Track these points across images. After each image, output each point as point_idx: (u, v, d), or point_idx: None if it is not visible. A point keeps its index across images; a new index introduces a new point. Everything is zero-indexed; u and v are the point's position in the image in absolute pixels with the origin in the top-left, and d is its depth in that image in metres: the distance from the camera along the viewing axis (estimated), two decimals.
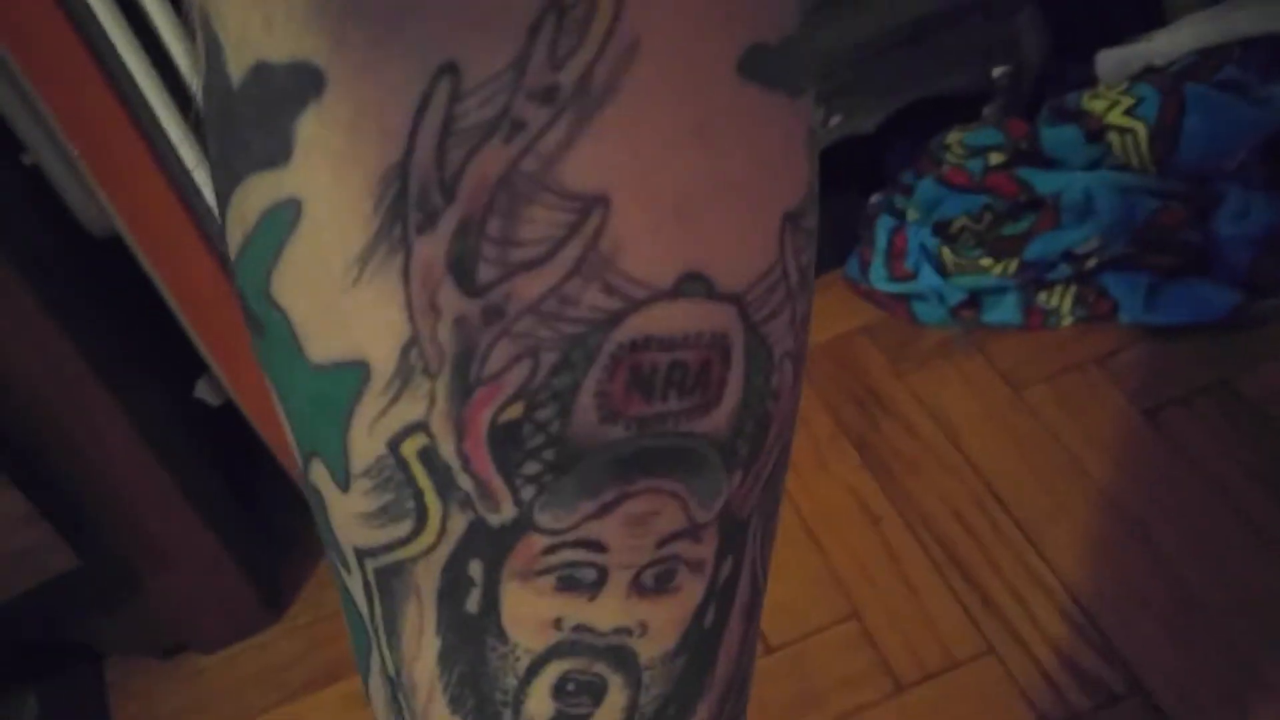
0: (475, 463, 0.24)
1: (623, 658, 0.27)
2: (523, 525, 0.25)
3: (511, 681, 0.27)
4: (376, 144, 0.22)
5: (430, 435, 0.24)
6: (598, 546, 0.25)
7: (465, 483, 0.24)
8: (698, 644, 0.28)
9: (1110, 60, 0.95)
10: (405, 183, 0.22)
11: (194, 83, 0.67)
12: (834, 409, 0.96)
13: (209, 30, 0.23)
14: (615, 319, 0.23)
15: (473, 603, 0.26)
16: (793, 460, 0.95)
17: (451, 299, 0.23)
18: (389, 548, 0.26)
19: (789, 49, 0.25)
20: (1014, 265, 0.90)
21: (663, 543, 0.26)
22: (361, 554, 0.27)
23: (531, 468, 0.24)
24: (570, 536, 0.25)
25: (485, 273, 0.23)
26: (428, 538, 0.25)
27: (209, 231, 0.78)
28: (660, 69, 0.22)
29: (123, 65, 0.71)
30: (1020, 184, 0.91)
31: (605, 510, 0.25)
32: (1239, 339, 0.91)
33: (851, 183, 1.02)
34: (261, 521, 1.01)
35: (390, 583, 0.27)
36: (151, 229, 0.78)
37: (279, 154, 0.23)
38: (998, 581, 0.83)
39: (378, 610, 0.27)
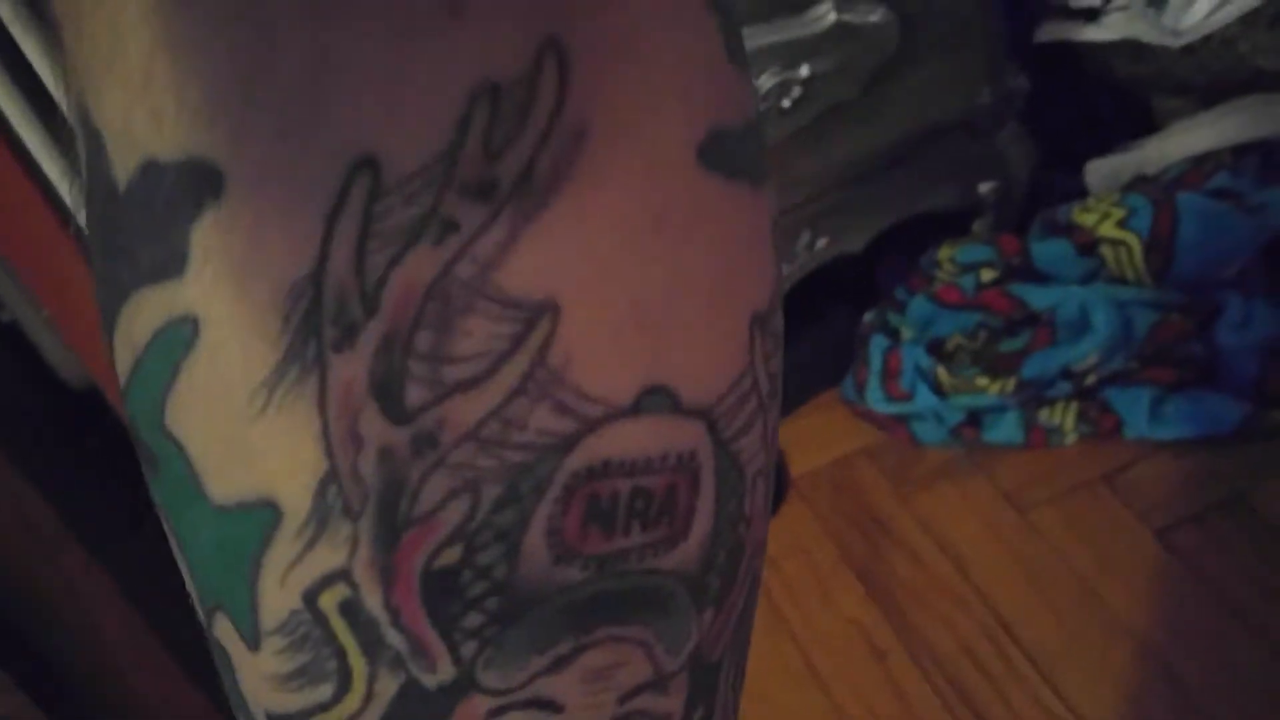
0: (406, 616, 0.21)
1: None
2: (463, 687, 0.21)
3: None
4: (284, 251, 0.19)
5: (353, 585, 0.20)
6: (551, 707, 0.22)
7: (395, 639, 0.21)
8: None
9: (1100, 170, 0.93)
10: (319, 295, 0.19)
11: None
12: (836, 536, 0.93)
13: (88, 124, 0.20)
14: (568, 443, 0.20)
15: None
16: (794, 592, 0.92)
17: (375, 427, 0.20)
18: (307, 713, 0.22)
19: (750, 134, 0.22)
20: (1011, 384, 0.87)
21: (625, 698, 0.22)
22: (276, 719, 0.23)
23: (473, 620, 0.21)
24: (519, 696, 0.21)
25: (414, 395, 0.19)
26: (352, 703, 0.21)
27: None
28: (612, 156, 0.20)
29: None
30: (1014, 300, 0.89)
31: (560, 665, 0.21)
32: (1250, 451, 0.88)
33: (843, 299, 1.00)
34: None
35: None
36: None
37: (171, 265, 0.20)
38: (1011, 719, 0.79)
39: None
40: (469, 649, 0.21)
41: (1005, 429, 0.90)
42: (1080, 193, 0.95)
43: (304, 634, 0.21)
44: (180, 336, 0.20)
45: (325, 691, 0.22)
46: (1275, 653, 0.77)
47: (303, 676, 0.22)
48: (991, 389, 0.88)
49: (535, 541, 0.20)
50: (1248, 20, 0.89)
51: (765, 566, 0.24)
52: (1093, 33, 0.91)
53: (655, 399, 0.21)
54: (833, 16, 0.78)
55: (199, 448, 0.21)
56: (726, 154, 0.21)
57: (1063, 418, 0.89)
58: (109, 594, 0.83)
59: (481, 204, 0.19)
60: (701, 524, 0.22)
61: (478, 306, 0.19)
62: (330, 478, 0.20)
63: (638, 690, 0.23)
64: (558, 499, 0.20)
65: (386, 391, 0.19)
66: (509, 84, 0.19)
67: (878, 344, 0.93)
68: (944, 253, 0.93)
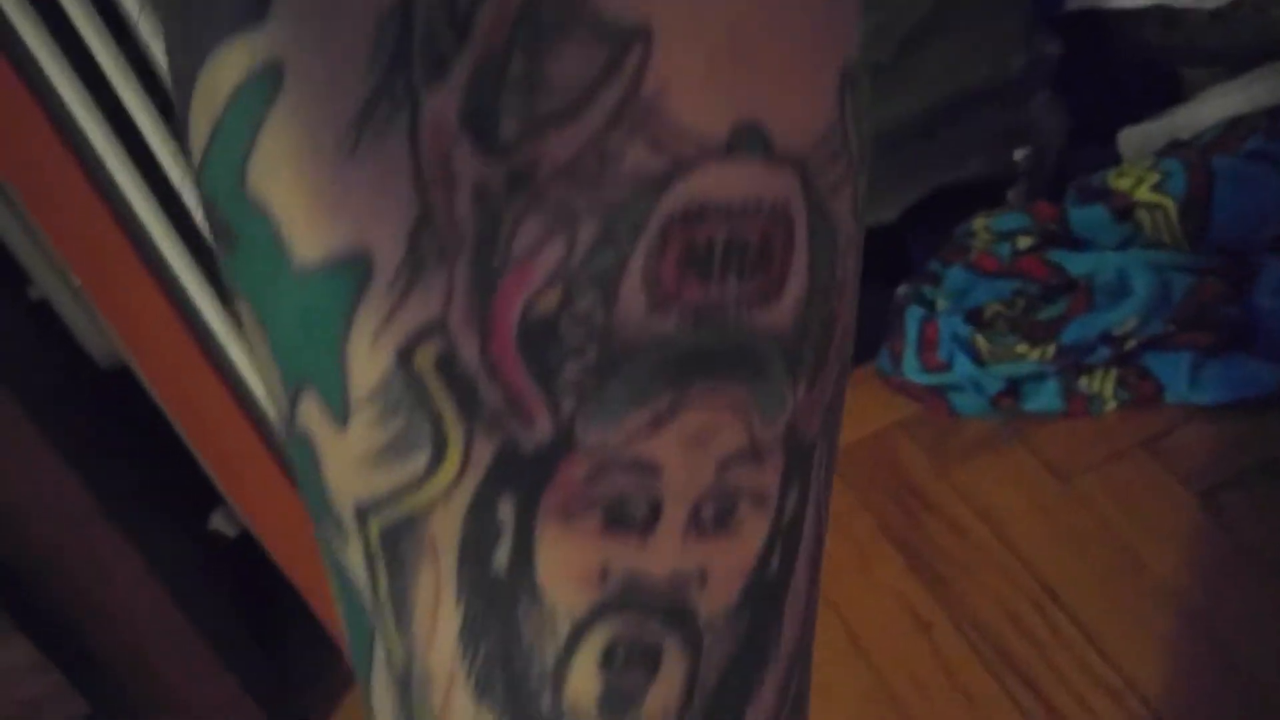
0: (504, 368, 0.20)
1: (680, 615, 0.22)
2: (563, 446, 0.20)
3: (550, 654, 0.22)
4: None
5: (448, 338, 0.20)
6: (651, 469, 0.21)
7: (492, 396, 0.20)
8: (761, 598, 0.23)
9: (1134, 137, 0.93)
10: (408, 23, 0.18)
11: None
12: (875, 510, 0.92)
13: None
14: (663, 181, 0.19)
15: (502, 555, 0.21)
16: (835, 566, 0.91)
17: (469, 163, 0.19)
18: (398, 494, 0.21)
19: None
20: (1051, 350, 0.87)
21: (723, 466, 0.21)
22: (364, 511, 0.21)
23: (572, 370, 0.20)
24: (619, 457, 0.21)
25: (508, 128, 0.19)
26: (448, 472, 0.20)
27: (218, 360, 0.76)
28: None
29: (124, 197, 0.69)
30: (1051, 267, 0.89)
31: (659, 423, 0.20)
32: None
33: (877, 273, 0.99)
34: (282, 660, 0.97)
35: (399, 545, 0.21)
36: (159, 359, 0.76)
37: (253, 10, 0.19)
38: (1060, 686, 0.78)
39: (383, 584, 0.22)
40: (568, 403, 0.20)
41: (1045, 397, 0.90)
42: (1113, 160, 0.95)
43: (397, 399, 0.20)
44: (263, 87, 0.19)
45: (419, 462, 0.21)
46: None
47: (395, 449, 0.21)
48: (1031, 355, 0.87)
49: (632, 285, 0.20)
50: None
51: None
52: (1123, 0, 0.91)
53: (749, 138, 0.20)
54: None
55: (284, 205, 0.20)
56: None
57: (1102, 384, 0.89)
58: (139, 573, 0.82)
59: None
60: (796, 282, 0.21)
61: (571, 31, 0.18)
62: (423, 221, 0.19)
63: (734, 459, 0.22)
64: (654, 241, 0.19)
65: (480, 124, 0.19)
66: None
67: (913, 315, 0.92)
68: (979, 222, 0.93)
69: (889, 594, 0.87)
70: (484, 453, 0.20)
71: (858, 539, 0.91)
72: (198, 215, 0.73)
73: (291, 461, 0.23)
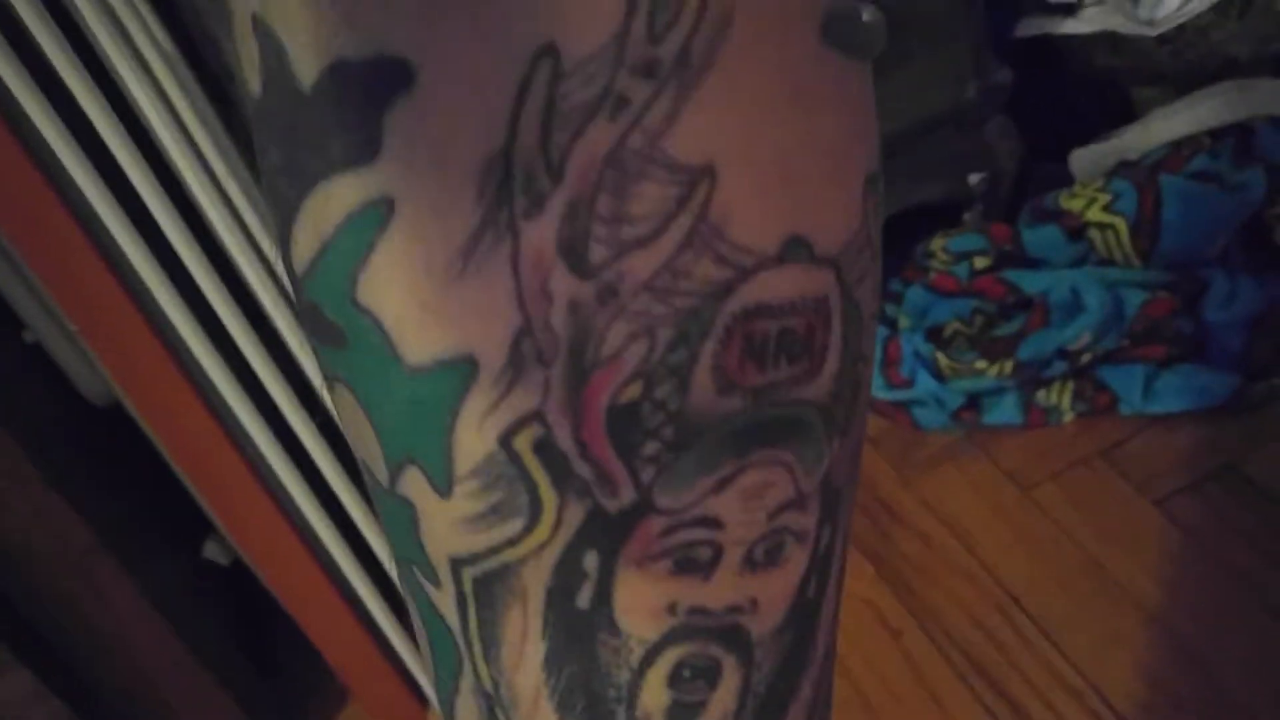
0: (594, 447, 0.23)
1: (735, 637, 0.26)
2: (642, 508, 0.24)
3: (625, 675, 0.26)
4: (476, 131, 0.21)
5: (545, 424, 0.23)
6: (715, 523, 0.25)
7: (583, 470, 0.24)
8: (802, 616, 0.28)
9: (1084, 158, 0.96)
10: (509, 168, 0.22)
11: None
12: None
13: (269, 36, 0.22)
14: (727, 289, 0.23)
15: (584, 598, 0.25)
16: None
17: (564, 283, 0.22)
18: (495, 550, 0.25)
19: (857, 14, 0.25)
20: (1009, 366, 0.90)
21: (774, 514, 0.26)
22: (459, 563, 0.25)
23: (651, 448, 0.24)
24: (688, 515, 0.24)
25: (597, 253, 0.22)
26: (541, 533, 0.24)
27: (209, 398, 0.79)
28: (753, 37, 0.22)
29: (115, 242, 0.72)
30: (1007, 285, 0.92)
31: (723, 485, 0.24)
32: (1241, 422, 0.91)
33: None
34: (277, 682, 1.00)
35: (491, 589, 0.25)
36: (152, 399, 0.79)
37: (365, 152, 0.22)
38: (1025, 688, 0.82)
39: (473, 621, 0.26)
40: (648, 474, 0.24)
41: (1004, 410, 0.93)
42: (1065, 181, 0.98)
43: (498, 473, 0.24)
44: (375, 215, 0.22)
45: (516, 526, 0.24)
46: (1275, 614, 0.80)
47: (495, 514, 0.24)
48: (990, 372, 0.91)
49: (703, 376, 0.23)
50: (1219, 10, 0.93)
51: None
52: (1072, 26, 0.94)
53: (795, 248, 0.24)
54: None
55: (395, 315, 0.23)
56: (841, 32, 0.24)
57: (1059, 397, 0.92)
58: (140, 606, 0.84)
59: (648, 81, 0.22)
60: (833, 360, 0.25)
61: (649, 172, 0.22)
62: (524, 330, 0.23)
63: (783, 508, 0.26)
64: (720, 338, 0.23)
65: (573, 251, 0.22)
66: None
67: (877, 333, 0.96)
68: (937, 243, 0.96)
69: (860, 603, 0.90)
70: (574, 516, 0.24)
71: None
72: (191, 261, 0.75)
73: (382, 515, 0.27)
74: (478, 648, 0.26)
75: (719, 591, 0.26)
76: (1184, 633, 0.81)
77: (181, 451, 0.83)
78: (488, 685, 0.27)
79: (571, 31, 0.21)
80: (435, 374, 0.23)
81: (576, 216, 0.22)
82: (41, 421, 0.85)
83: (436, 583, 0.26)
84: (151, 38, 0.76)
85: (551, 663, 0.26)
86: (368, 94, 0.22)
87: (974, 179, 0.94)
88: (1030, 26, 0.97)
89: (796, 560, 0.27)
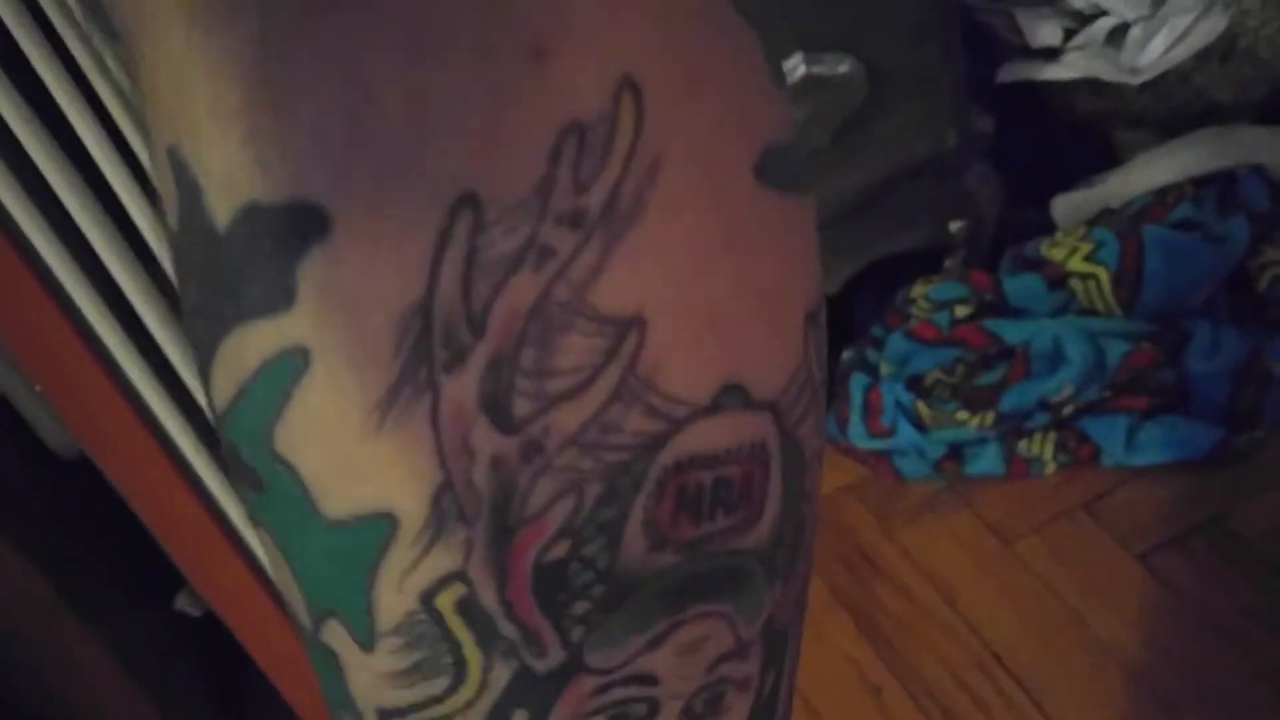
0: (520, 608, 0.22)
1: None
2: (571, 668, 0.23)
3: None
4: (394, 283, 0.20)
5: (469, 584, 0.22)
6: (649, 680, 0.24)
7: (509, 630, 0.23)
8: None
9: (1066, 205, 0.95)
10: (428, 321, 0.20)
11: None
12: (827, 574, 0.94)
13: (185, 174, 0.21)
14: (659, 441, 0.22)
15: None
16: None
17: (486, 438, 0.21)
18: (420, 706, 0.24)
19: (794, 148, 0.24)
20: (990, 417, 0.89)
21: (713, 666, 0.25)
22: (386, 715, 0.24)
23: (580, 607, 0.23)
24: (621, 674, 0.24)
25: (521, 408, 0.21)
26: (467, 692, 0.23)
27: (176, 457, 0.77)
28: (685, 181, 0.22)
29: (74, 302, 0.71)
30: (988, 335, 0.91)
31: (657, 642, 0.24)
32: (1226, 475, 0.90)
33: None
34: None
35: None
36: (119, 457, 0.78)
37: (279, 300, 0.21)
38: None
39: None
40: (577, 634, 0.23)
41: (986, 461, 0.92)
42: (1047, 228, 0.97)
43: (421, 633, 0.23)
44: (291, 365, 0.21)
45: (440, 684, 0.23)
46: (1259, 671, 0.79)
47: (418, 672, 0.23)
48: (971, 422, 0.90)
49: (634, 532, 0.22)
50: (1201, 56, 0.92)
51: None
52: (1053, 72, 0.93)
53: (730, 396, 0.23)
54: (802, 69, 0.80)
55: (312, 468, 0.22)
56: (778, 169, 0.23)
57: (1041, 448, 0.91)
58: (105, 662, 0.83)
59: (574, 231, 0.21)
60: (772, 505, 0.24)
61: (575, 324, 0.21)
62: (445, 487, 0.21)
63: (722, 659, 0.25)
64: (652, 492, 0.22)
65: (495, 406, 0.21)
66: (593, 120, 0.21)
67: (858, 381, 0.95)
68: (917, 290, 0.95)
69: (840, 658, 0.89)
70: (500, 676, 0.23)
71: (810, 604, 0.93)
72: (149, 317, 0.74)
73: (313, 663, 0.25)
74: None
75: None
76: (1167, 690, 0.80)
77: (149, 508, 0.82)
78: None
79: (493, 179, 0.20)
80: (354, 529, 0.22)
81: (499, 370, 0.21)
82: (5, 474, 0.83)
83: None
84: (114, 85, 0.75)
85: None
86: (281, 240, 0.21)
87: (955, 226, 0.93)
88: (1011, 72, 0.97)
89: (739, 707, 0.26)
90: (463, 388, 0.21)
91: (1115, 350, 0.88)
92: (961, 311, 0.92)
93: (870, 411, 0.94)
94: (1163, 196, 0.91)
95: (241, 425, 0.23)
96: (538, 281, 0.21)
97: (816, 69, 0.80)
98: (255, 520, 0.24)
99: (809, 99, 0.82)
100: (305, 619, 0.24)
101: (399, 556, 0.22)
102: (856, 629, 0.90)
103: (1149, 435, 0.90)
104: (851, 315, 1.02)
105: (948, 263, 0.96)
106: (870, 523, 0.96)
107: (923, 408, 0.91)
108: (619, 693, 0.24)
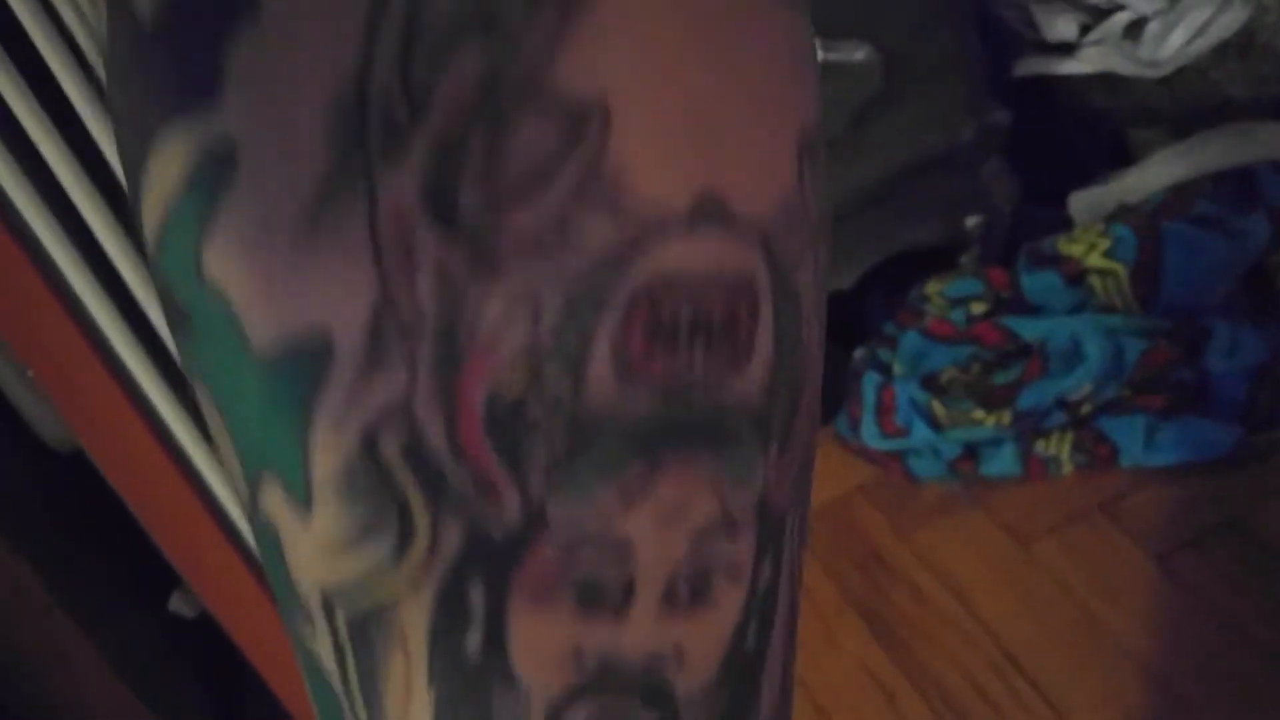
0: (471, 451, 0.19)
1: (658, 694, 0.22)
2: (533, 527, 0.20)
3: None
4: (325, 58, 0.18)
5: (413, 422, 0.19)
6: (624, 547, 0.21)
7: (460, 479, 0.20)
8: (739, 672, 0.23)
9: (1083, 201, 0.94)
10: (364, 99, 0.18)
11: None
12: (838, 577, 0.92)
13: None
14: (627, 254, 0.19)
15: (473, 641, 0.21)
16: (799, 634, 0.91)
17: (430, 241, 0.18)
18: (365, 581, 0.20)
19: None
20: (1007, 416, 0.87)
21: (696, 541, 0.21)
22: (330, 598, 0.21)
23: (540, 451, 0.20)
24: (591, 535, 0.20)
25: (469, 206, 0.18)
26: (415, 557, 0.20)
27: (172, 448, 0.75)
28: None
29: (74, 289, 0.69)
30: (1005, 332, 0.89)
31: (631, 499, 0.20)
32: (1244, 475, 0.88)
33: (833, 338, 1.00)
34: None
35: (368, 633, 0.21)
36: (113, 449, 0.76)
37: (204, 87, 0.18)
38: None
39: (352, 671, 0.22)
40: (538, 482, 0.20)
41: (1002, 461, 0.90)
42: (1063, 224, 0.96)
43: (361, 484, 0.20)
44: (215, 170, 0.19)
45: (385, 548, 0.20)
46: (1276, 671, 0.77)
47: (360, 535, 0.20)
48: (988, 421, 0.88)
49: (599, 362, 0.19)
50: (1218, 52, 0.91)
51: None
52: (1070, 66, 0.92)
53: (710, 208, 0.20)
54: (819, 56, 0.78)
55: (241, 289, 0.19)
56: None
57: (1059, 448, 0.89)
58: (98, 663, 0.81)
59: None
60: (762, 351, 0.21)
61: (529, 106, 0.18)
62: (385, 302, 0.19)
63: (707, 531, 0.21)
64: (619, 316, 0.19)
65: (440, 201, 0.18)
66: None
67: (871, 380, 0.93)
68: (932, 287, 0.94)
69: (853, 661, 0.87)
70: (452, 537, 0.20)
71: (821, 607, 0.91)
72: (147, 304, 0.72)
73: (258, 549, 0.22)
74: (358, 702, 0.22)
75: (635, 636, 0.21)
76: (1184, 693, 0.79)
77: (146, 506, 0.80)
78: None
79: None
80: (287, 362, 0.19)
81: (444, 158, 0.18)
82: None
83: (311, 623, 0.22)
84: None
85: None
86: (208, 23, 0.18)
87: (971, 222, 0.92)
88: (1027, 66, 0.95)
89: (729, 600, 0.22)
90: (403, 180, 0.18)
91: (1133, 348, 0.86)
92: (978, 308, 0.91)
93: (884, 411, 0.92)
94: (1181, 192, 0.90)
95: (170, 255, 0.20)
96: (485, 54, 0.18)
97: (832, 56, 0.78)
98: (190, 374, 0.22)
99: (824, 87, 0.81)
100: (244, 489, 0.22)
101: (335, 390, 0.19)
102: (869, 632, 0.88)
103: (1167, 435, 0.88)
104: (864, 314, 1.00)
105: (963, 259, 0.94)
106: (882, 524, 0.94)
107: (938, 407, 0.89)
108: (588, 562, 0.20)
